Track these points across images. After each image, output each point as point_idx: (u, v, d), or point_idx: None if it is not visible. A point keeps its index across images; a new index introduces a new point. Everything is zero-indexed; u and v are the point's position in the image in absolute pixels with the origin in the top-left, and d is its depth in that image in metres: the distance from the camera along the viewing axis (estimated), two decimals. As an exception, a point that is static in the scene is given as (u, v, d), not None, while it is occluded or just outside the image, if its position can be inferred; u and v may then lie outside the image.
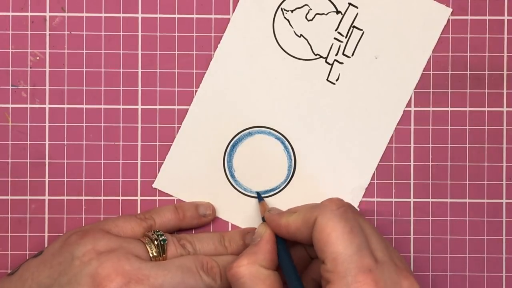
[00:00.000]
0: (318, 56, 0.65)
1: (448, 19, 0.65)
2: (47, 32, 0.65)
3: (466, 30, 0.65)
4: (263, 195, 0.66)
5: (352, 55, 0.65)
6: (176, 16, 0.65)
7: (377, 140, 0.65)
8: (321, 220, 0.57)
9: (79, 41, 0.65)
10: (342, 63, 0.65)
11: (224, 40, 0.65)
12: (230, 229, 0.66)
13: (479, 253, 0.66)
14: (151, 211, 0.65)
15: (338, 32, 0.65)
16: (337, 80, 0.65)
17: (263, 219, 0.63)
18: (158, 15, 0.65)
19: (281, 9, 0.65)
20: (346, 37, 0.65)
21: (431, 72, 0.65)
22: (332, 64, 0.65)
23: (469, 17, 0.65)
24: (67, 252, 0.59)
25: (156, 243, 0.61)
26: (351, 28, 0.65)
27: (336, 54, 0.65)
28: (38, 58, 0.65)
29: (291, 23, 0.65)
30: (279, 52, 0.65)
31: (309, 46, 0.65)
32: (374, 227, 0.59)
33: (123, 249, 0.59)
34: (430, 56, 0.65)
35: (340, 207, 0.58)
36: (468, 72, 0.66)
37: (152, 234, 0.61)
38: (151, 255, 0.60)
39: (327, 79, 0.65)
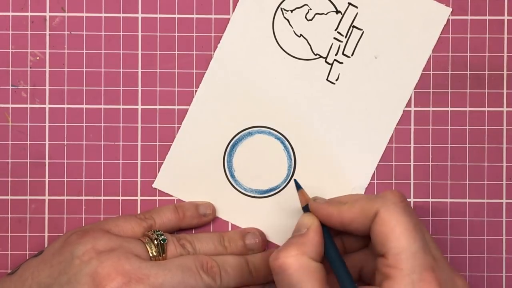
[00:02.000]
0: (317, 56, 0.65)
1: (448, 19, 0.65)
2: (47, 32, 0.65)
3: (466, 30, 0.65)
4: (263, 195, 0.65)
5: (352, 55, 0.65)
6: (176, 16, 0.65)
7: (377, 140, 0.65)
8: (384, 213, 0.56)
9: (79, 41, 0.65)
10: (342, 63, 0.65)
11: (224, 40, 0.65)
12: (230, 229, 0.66)
13: (479, 253, 0.66)
14: (151, 211, 0.65)
15: (338, 32, 0.65)
16: (336, 80, 0.65)
17: (304, 209, 0.62)
18: (158, 15, 0.65)
19: (281, 9, 0.65)
20: (345, 37, 0.65)
21: (431, 72, 0.65)
22: (332, 64, 0.65)
23: (469, 17, 0.65)
24: (67, 251, 0.59)
25: (156, 242, 0.61)
26: (351, 28, 0.65)
27: (336, 54, 0.65)
28: (38, 58, 0.65)
29: (290, 23, 0.65)
30: (279, 52, 0.65)
31: (309, 46, 0.65)
32: (423, 223, 0.59)
33: (123, 249, 0.59)
34: (430, 56, 0.65)
35: (403, 200, 0.57)
36: (468, 72, 0.66)
37: (152, 234, 0.61)
38: (151, 255, 0.60)
39: (326, 79, 0.65)
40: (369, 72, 0.65)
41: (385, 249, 0.55)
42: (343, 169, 0.65)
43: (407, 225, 0.55)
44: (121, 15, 0.65)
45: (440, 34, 0.65)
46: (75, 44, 0.65)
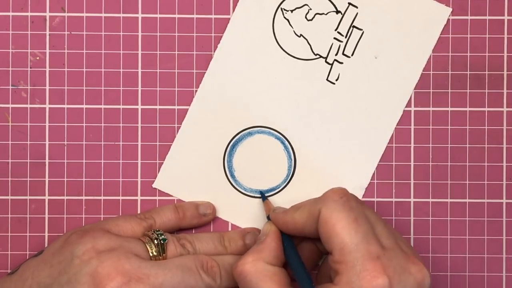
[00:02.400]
0: (318, 56, 0.65)
1: (448, 19, 0.65)
2: (47, 32, 0.65)
3: (466, 30, 0.65)
4: (259, 195, 0.66)
5: (352, 55, 0.65)
6: (176, 16, 0.65)
7: (377, 140, 0.65)
8: (324, 212, 0.57)
9: (79, 41, 0.65)
10: (342, 63, 0.65)
11: (224, 40, 0.65)
12: (230, 229, 0.66)
13: (479, 253, 0.66)
14: (151, 211, 0.65)
15: (338, 32, 0.65)
16: (337, 80, 0.65)
17: (268, 218, 0.63)
18: (158, 15, 0.65)
19: (281, 9, 0.65)
20: (346, 37, 0.65)
21: (431, 72, 0.65)
22: (332, 64, 0.65)
23: (469, 17, 0.65)
24: (67, 251, 0.59)
25: (156, 242, 0.61)
26: (351, 28, 0.65)
27: (336, 54, 0.65)
28: (38, 58, 0.65)
29: (291, 23, 0.65)
30: (279, 52, 0.65)
31: (309, 46, 0.65)
32: (378, 215, 0.59)
33: (123, 248, 0.59)
34: (430, 56, 0.65)
35: (342, 196, 0.57)
36: (468, 72, 0.66)
37: (152, 234, 0.61)
38: (151, 255, 0.60)
39: (327, 79, 0.65)
40: (369, 72, 0.65)
41: (331, 246, 0.56)
42: (343, 169, 0.65)
43: (347, 219, 0.56)
44: (121, 15, 0.65)
45: (440, 34, 0.65)
46: (75, 44, 0.65)
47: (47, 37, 0.65)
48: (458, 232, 0.66)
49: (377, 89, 0.65)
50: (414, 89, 0.65)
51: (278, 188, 0.66)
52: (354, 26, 0.65)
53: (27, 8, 0.65)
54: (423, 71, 0.65)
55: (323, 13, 0.65)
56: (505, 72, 0.65)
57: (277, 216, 0.61)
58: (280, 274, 0.58)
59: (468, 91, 0.66)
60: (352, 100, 0.65)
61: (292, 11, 0.65)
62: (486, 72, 0.65)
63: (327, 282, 0.58)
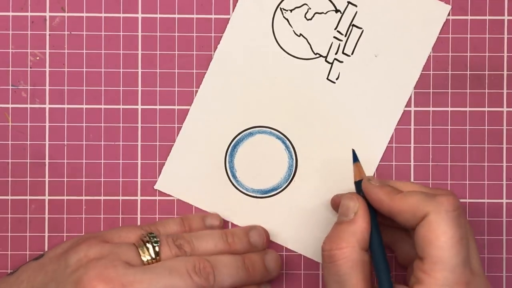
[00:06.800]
0: (318, 55, 0.65)
1: (448, 19, 0.65)
2: (47, 32, 0.65)
3: (466, 30, 0.65)
4: (265, 195, 0.65)
5: (352, 53, 0.65)
6: (176, 16, 0.65)
7: (377, 139, 0.65)
8: (434, 218, 0.55)
9: (79, 41, 0.65)
10: (342, 61, 0.65)
11: (224, 41, 0.65)
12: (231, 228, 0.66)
13: (479, 253, 0.65)
14: (156, 223, 0.64)
15: (338, 31, 0.65)
16: (337, 79, 0.65)
17: (356, 184, 0.61)
18: (158, 15, 0.65)
19: (280, 8, 0.65)
20: (345, 36, 0.65)
21: (431, 72, 0.65)
22: (332, 63, 0.65)
23: (469, 17, 0.65)
24: (62, 259, 0.60)
25: (148, 245, 0.60)
26: (351, 27, 0.65)
27: (336, 53, 0.65)
28: (38, 58, 0.65)
29: (290, 23, 0.65)
30: (279, 52, 0.65)
31: (309, 45, 0.65)
32: (472, 230, 0.58)
33: (113, 255, 0.59)
34: (430, 56, 0.65)
35: (455, 209, 0.55)
36: (468, 72, 0.66)
37: (145, 237, 0.61)
38: (143, 259, 0.60)
39: (327, 78, 0.65)
40: (369, 70, 0.65)
41: (425, 254, 0.55)
42: (344, 167, 0.65)
43: (453, 237, 0.54)
44: (121, 15, 0.65)
45: (440, 34, 0.65)
46: (75, 44, 0.65)
47: (47, 37, 0.65)
48: (458, 232, 0.66)
49: (377, 88, 0.65)
50: (414, 89, 0.65)
51: (280, 187, 0.65)
52: (353, 25, 0.65)
53: (27, 8, 0.65)
54: (423, 71, 0.65)
55: (322, 12, 0.65)
56: (505, 72, 0.65)
57: (373, 191, 0.58)
58: (368, 263, 0.57)
59: (468, 91, 0.66)
60: (352, 99, 0.65)
61: (291, 10, 0.65)
62: (486, 72, 0.65)
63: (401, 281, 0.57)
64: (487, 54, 0.65)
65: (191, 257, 0.61)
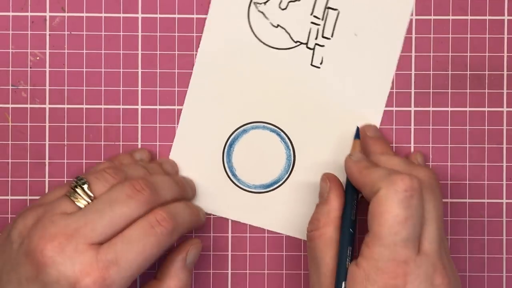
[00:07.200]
0: (298, 43, 0.65)
1: (448, 19, 0.65)
2: (47, 32, 0.65)
3: (466, 30, 0.65)
4: (267, 189, 0.65)
5: (332, 36, 0.65)
6: (176, 16, 0.65)
7: (370, 116, 0.65)
8: (382, 195, 0.56)
9: (79, 41, 0.65)
10: (323, 45, 0.65)
11: (203, 41, 0.65)
12: (230, 228, 0.66)
13: (479, 253, 0.66)
14: (87, 172, 0.62)
15: (314, 16, 0.65)
16: (321, 63, 0.65)
17: None
18: (158, 15, 0.65)
19: (253, 3, 0.65)
20: (322, 19, 0.65)
21: (431, 72, 0.65)
22: (313, 49, 0.65)
23: (469, 17, 0.65)
24: (7, 240, 0.58)
25: (77, 190, 0.58)
26: (326, 10, 0.65)
27: (316, 38, 0.65)
28: (38, 58, 0.65)
29: (266, 15, 0.65)
30: (260, 46, 0.65)
31: (288, 35, 0.65)
32: (441, 214, 0.58)
33: (48, 213, 0.57)
34: (430, 56, 0.65)
35: (407, 190, 0.56)
36: (468, 72, 0.65)
37: (73, 183, 0.58)
38: (79, 205, 0.57)
39: (311, 64, 0.65)
40: (352, 50, 0.65)
41: (369, 227, 0.56)
42: (341, 151, 0.65)
43: (397, 216, 0.55)
44: (121, 15, 0.65)
45: (440, 34, 0.65)
46: (75, 44, 0.65)
47: (47, 37, 0.65)
48: (458, 232, 0.66)
49: (362, 65, 0.65)
50: (414, 89, 0.65)
51: (281, 179, 0.65)
52: (329, 7, 0.65)
53: (27, 8, 0.65)
54: (423, 71, 0.65)
55: (296, 0, 0.65)
56: (505, 72, 0.65)
57: (347, 164, 0.61)
58: (338, 240, 0.59)
59: (468, 91, 0.65)
60: (339, 81, 0.65)
61: (265, 3, 0.65)
62: (486, 72, 0.65)
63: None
64: (487, 54, 0.65)
65: (125, 182, 0.58)
